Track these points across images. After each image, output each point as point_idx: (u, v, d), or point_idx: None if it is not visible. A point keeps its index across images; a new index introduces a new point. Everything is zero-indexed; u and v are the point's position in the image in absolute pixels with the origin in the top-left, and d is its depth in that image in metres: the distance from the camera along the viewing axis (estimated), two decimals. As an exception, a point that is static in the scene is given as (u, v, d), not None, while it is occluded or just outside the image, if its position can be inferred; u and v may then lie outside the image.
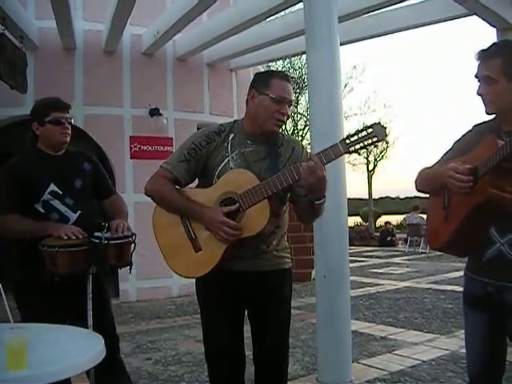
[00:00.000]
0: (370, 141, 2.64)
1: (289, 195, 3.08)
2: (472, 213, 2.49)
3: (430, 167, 2.86)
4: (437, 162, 2.83)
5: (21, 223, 3.42)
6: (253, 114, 3.05)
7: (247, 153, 3.03)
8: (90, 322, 3.28)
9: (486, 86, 2.52)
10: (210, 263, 2.86)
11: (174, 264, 2.97)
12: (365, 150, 2.65)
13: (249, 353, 3.15)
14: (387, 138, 2.59)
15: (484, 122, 2.73)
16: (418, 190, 2.96)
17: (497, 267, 2.52)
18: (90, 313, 3.29)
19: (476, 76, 2.57)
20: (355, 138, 2.65)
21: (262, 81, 3.03)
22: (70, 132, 3.60)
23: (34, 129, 3.60)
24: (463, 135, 2.79)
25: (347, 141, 2.65)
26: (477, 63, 2.58)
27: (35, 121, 3.58)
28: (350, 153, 2.67)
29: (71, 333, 2.67)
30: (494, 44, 2.59)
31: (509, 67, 2.46)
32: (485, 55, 2.54)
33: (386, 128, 2.64)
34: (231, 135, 3.08)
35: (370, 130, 2.64)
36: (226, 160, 3.00)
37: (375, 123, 2.67)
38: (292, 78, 29.99)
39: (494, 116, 2.65)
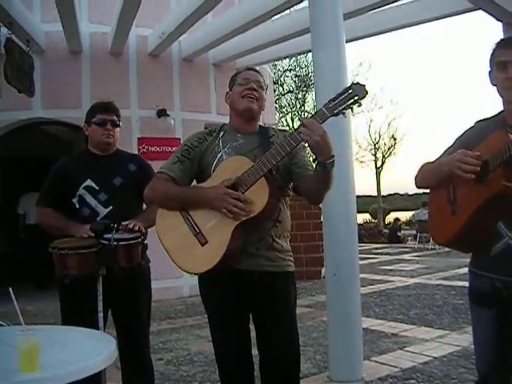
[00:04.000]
0: (352, 100, 2.66)
1: (290, 185, 3.10)
2: (483, 206, 2.48)
3: (431, 162, 2.85)
4: (438, 158, 2.83)
5: (51, 217, 3.66)
6: (232, 107, 3.19)
7: (239, 145, 3.07)
8: (101, 323, 3.30)
9: None
10: (219, 252, 2.79)
11: (183, 263, 2.90)
12: (350, 110, 2.68)
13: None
14: (367, 95, 2.64)
15: (486, 119, 2.73)
16: (418, 187, 2.95)
17: (505, 262, 2.51)
18: (101, 314, 3.30)
19: (502, 61, 2.56)
20: (337, 100, 2.67)
21: (232, 79, 3.24)
22: (112, 133, 3.73)
23: (84, 130, 3.80)
24: (465, 131, 2.79)
25: (330, 104, 2.68)
26: (498, 50, 2.60)
27: (86, 122, 3.78)
28: (336, 115, 2.67)
29: (83, 334, 2.68)
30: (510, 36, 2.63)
31: None
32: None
33: (364, 86, 2.67)
34: (221, 133, 3.16)
35: (350, 91, 2.66)
36: (219, 155, 3.04)
37: (353, 83, 2.70)
38: (298, 76, 30.01)
39: (498, 112, 2.65)
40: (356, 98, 2.66)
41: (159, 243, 2.99)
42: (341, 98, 2.67)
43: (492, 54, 2.63)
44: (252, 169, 2.81)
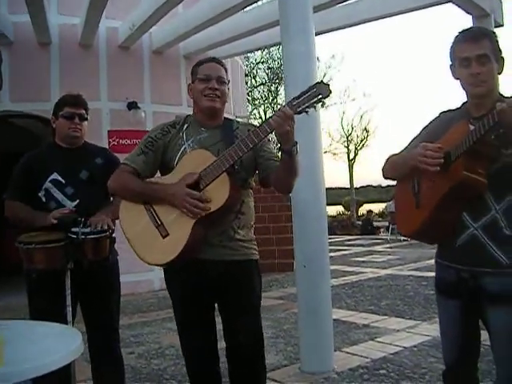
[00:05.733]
0: (315, 99, 2.69)
1: (253, 178, 3.17)
2: (445, 197, 2.51)
3: (398, 154, 2.88)
4: (404, 149, 2.86)
5: (19, 211, 3.62)
6: (194, 102, 3.20)
7: (202, 139, 3.09)
8: (70, 317, 3.28)
9: (479, 65, 2.51)
10: (179, 245, 2.84)
11: (143, 254, 2.94)
12: (313, 109, 2.72)
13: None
14: (331, 94, 2.72)
15: (451, 110, 2.76)
16: (385, 178, 2.98)
17: (471, 252, 2.54)
18: (70, 309, 3.28)
19: (465, 57, 2.55)
20: (301, 99, 2.71)
21: (193, 71, 3.23)
22: (80, 127, 3.71)
23: (51, 122, 3.77)
24: (430, 122, 2.82)
25: (293, 102, 2.72)
26: (458, 45, 2.59)
27: (53, 115, 3.74)
28: (299, 113, 2.71)
29: (49, 329, 2.66)
30: (470, 28, 2.62)
31: (496, 48, 2.53)
32: (475, 36, 2.56)
33: (328, 85, 2.71)
34: (185, 126, 3.18)
35: (313, 90, 2.70)
36: (183, 148, 3.07)
37: (318, 82, 2.74)
38: (271, 68, 30.00)
39: (461, 103, 2.68)
40: (319, 96, 2.70)
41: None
42: (304, 96, 2.71)
43: (452, 48, 2.63)
44: (214, 164, 2.85)
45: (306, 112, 2.73)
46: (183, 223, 2.86)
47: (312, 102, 2.70)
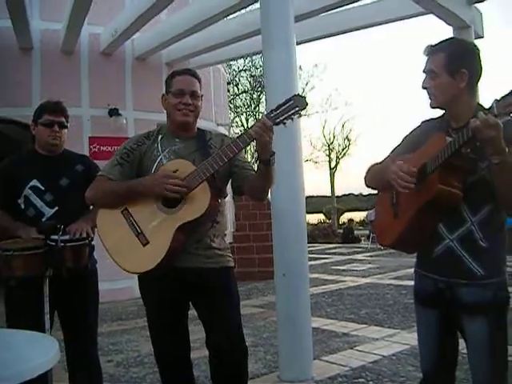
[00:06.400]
0: (292, 111, 2.78)
1: (227, 187, 3.22)
2: (422, 209, 2.52)
3: (380, 163, 2.88)
4: (386, 158, 2.87)
5: (0, 218, 3.56)
6: (168, 114, 3.25)
7: (178, 149, 3.15)
8: (48, 325, 3.26)
9: (429, 79, 2.60)
10: (161, 253, 2.87)
11: (124, 263, 2.96)
12: (290, 120, 2.81)
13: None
14: (308, 106, 2.81)
15: (433, 119, 2.78)
16: (367, 186, 2.99)
17: (447, 264, 2.56)
18: (48, 316, 3.26)
19: (423, 71, 2.63)
20: (278, 111, 2.79)
21: (168, 83, 3.25)
22: (59, 135, 3.68)
23: (31, 129, 3.73)
24: (412, 131, 2.84)
25: (271, 114, 2.79)
26: (425, 58, 2.64)
27: (33, 121, 3.71)
28: (277, 124, 2.78)
29: (25, 336, 2.64)
30: (441, 41, 2.64)
31: (451, 62, 2.51)
32: (431, 51, 2.61)
33: (305, 98, 2.80)
34: (160, 136, 3.22)
35: (291, 102, 2.79)
36: (159, 158, 3.11)
37: (294, 95, 2.83)
38: (253, 76, 30.06)
39: (442, 112, 2.69)
40: (296, 109, 2.78)
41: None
42: (282, 108, 2.79)
43: None
44: (195, 172, 2.88)
45: (284, 124, 2.79)
46: (163, 232, 2.89)
47: (289, 113, 2.77)
